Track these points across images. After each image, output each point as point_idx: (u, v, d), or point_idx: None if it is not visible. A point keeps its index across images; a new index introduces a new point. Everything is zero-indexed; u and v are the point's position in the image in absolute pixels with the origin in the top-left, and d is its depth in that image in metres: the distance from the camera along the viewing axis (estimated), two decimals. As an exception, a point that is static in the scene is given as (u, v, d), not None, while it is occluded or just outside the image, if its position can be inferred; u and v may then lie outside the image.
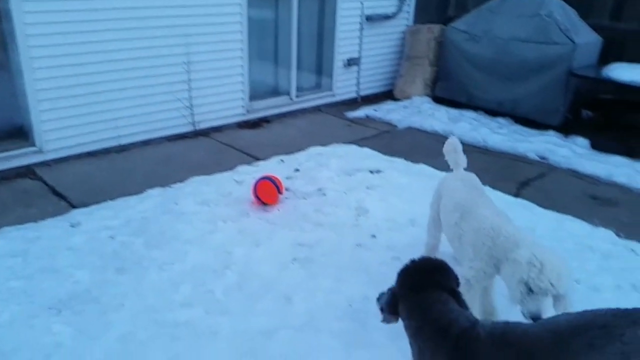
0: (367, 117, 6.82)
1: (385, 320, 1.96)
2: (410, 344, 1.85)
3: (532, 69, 6.32)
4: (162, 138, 5.54)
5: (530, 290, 2.19)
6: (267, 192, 4.08)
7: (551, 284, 2.14)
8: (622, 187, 4.89)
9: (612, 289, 3.24)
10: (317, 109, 7.03)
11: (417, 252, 3.50)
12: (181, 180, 4.55)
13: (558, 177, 5.10)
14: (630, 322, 1.44)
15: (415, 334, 1.79)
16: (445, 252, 3.32)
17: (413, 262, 1.94)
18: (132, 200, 4.16)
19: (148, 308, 2.89)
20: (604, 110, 6.53)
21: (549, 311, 2.23)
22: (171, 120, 5.54)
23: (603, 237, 3.87)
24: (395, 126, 6.49)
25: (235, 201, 4.18)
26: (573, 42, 6.01)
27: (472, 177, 3.15)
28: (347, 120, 6.70)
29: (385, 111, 6.93)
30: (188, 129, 5.71)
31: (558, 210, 4.25)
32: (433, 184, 4.50)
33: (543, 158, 5.51)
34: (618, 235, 3.91)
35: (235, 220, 3.88)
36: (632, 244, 3.78)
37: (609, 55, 6.62)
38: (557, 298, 2.25)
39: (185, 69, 5.42)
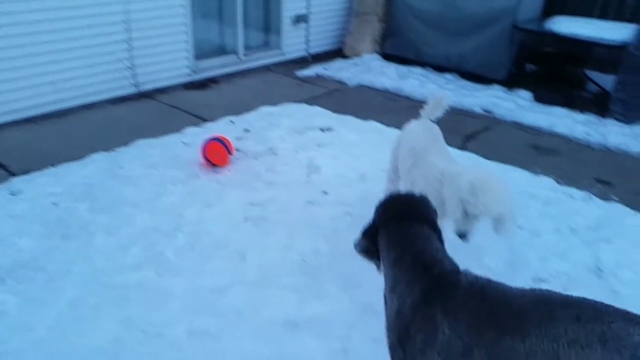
0: (318, 75, 6.76)
1: (360, 247, 1.90)
2: (385, 274, 1.77)
3: (478, 23, 6.38)
4: (104, 101, 5.31)
5: (465, 213, 2.32)
6: (216, 154, 4.01)
7: (485, 210, 2.26)
8: (563, 137, 5.09)
9: (551, 232, 3.41)
10: (267, 68, 6.90)
11: (368, 207, 3.55)
12: (126, 144, 4.40)
13: (502, 129, 5.25)
14: (628, 320, 1.37)
15: (394, 264, 1.70)
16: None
17: (393, 195, 1.88)
18: (75, 165, 4.00)
19: (97, 272, 2.84)
20: (547, 63, 6.71)
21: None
22: (113, 82, 5.31)
23: (544, 185, 4.04)
24: (346, 84, 6.47)
25: (183, 163, 4.10)
26: (517, -5, 6.09)
27: (434, 127, 3.19)
28: (297, 79, 6.62)
29: (336, 69, 6.88)
30: (131, 90, 5.50)
31: (502, 161, 4.39)
32: (383, 140, 4.60)
33: (488, 112, 5.64)
34: (558, 182, 4.09)
35: (185, 183, 3.82)
36: (571, 190, 3.97)
37: (551, 8, 6.76)
38: (496, 221, 2.39)
39: (125, 28, 5.18)
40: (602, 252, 3.22)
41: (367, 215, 3.43)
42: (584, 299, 1.47)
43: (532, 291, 1.54)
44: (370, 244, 1.84)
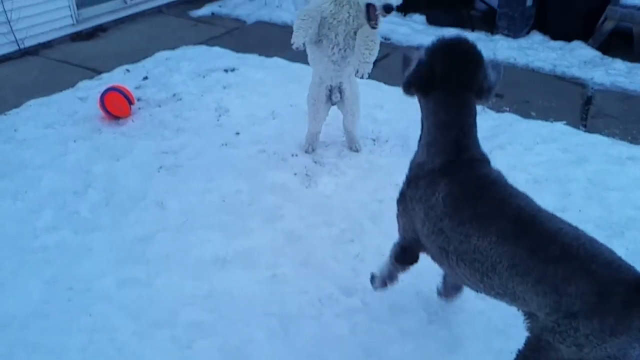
0: (213, 14, 6.53)
1: (408, 91, 1.81)
2: (426, 128, 1.83)
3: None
4: (-18, 62, 4.86)
5: None
6: (116, 105, 3.84)
7: None
8: (456, 57, 5.35)
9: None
10: (157, 10, 6.53)
11: (282, 143, 3.66)
12: (16, 106, 4.09)
13: (400, 55, 5.41)
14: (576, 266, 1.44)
15: (438, 127, 1.77)
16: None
17: (450, 45, 1.74)
18: (-38, 134, 3.70)
19: (10, 238, 2.73)
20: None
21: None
22: (-11, 41, 4.84)
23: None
24: (244, 22, 6.32)
25: (83, 119, 3.90)
26: None
27: None
28: (192, 20, 6.36)
29: (231, 6, 6.68)
30: (12, 48, 5.03)
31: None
32: (288, 75, 4.63)
33: (386, 39, 5.77)
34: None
35: (87, 139, 3.66)
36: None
37: None
38: None
39: (-8, -22, 4.68)
40: (497, 158, 3.51)
41: (281, 150, 3.55)
42: (572, 238, 1.50)
43: (534, 212, 1.61)
44: (425, 90, 1.79)
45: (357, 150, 3.58)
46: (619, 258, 1.46)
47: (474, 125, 1.79)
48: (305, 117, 3.51)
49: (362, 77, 2.92)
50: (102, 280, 2.47)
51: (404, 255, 2.04)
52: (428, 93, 1.77)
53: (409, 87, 1.79)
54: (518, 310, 1.68)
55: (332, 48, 2.98)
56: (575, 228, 1.56)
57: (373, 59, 2.90)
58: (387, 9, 2.54)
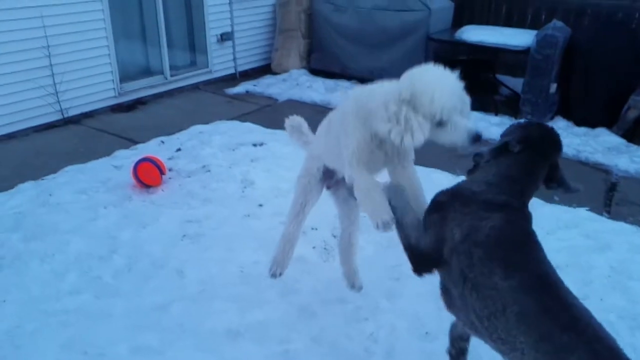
0: (247, 92, 6.87)
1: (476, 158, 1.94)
2: (485, 168, 1.90)
3: (394, 36, 6.72)
4: (28, 129, 5.19)
5: (441, 123, 1.88)
6: (148, 174, 4.03)
7: (456, 99, 1.93)
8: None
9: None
10: (195, 87, 6.94)
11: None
12: (54, 171, 4.33)
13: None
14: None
15: (501, 174, 1.85)
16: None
17: (537, 126, 1.94)
18: (3, 196, 3.91)
19: (33, 300, 2.81)
20: (462, 70, 7.13)
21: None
22: (36, 110, 5.19)
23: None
24: (276, 100, 6.62)
25: (115, 186, 4.08)
26: (428, 8, 6.48)
27: None
28: (227, 97, 6.70)
29: (265, 85, 7.03)
30: (56, 117, 5.39)
31: (425, 166, 4.64)
32: (313, 150, 4.76)
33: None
34: (476, 180, 4.40)
35: (118, 205, 3.82)
36: (488, 186, 4.28)
37: (461, 19, 7.23)
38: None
39: (45, 54, 5.09)
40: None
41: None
42: (575, 312, 1.58)
43: (558, 281, 1.69)
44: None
45: (360, 288, 2.82)
46: (620, 348, 1.52)
47: (533, 190, 1.88)
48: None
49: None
50: (116, 347, 2.51)
51: (418, 260, 1.92)
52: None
53: (506, 146, 1.86)
54: None
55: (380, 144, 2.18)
56: (587, 309, 1.63)
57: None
58: (476, 139, 1.90)
